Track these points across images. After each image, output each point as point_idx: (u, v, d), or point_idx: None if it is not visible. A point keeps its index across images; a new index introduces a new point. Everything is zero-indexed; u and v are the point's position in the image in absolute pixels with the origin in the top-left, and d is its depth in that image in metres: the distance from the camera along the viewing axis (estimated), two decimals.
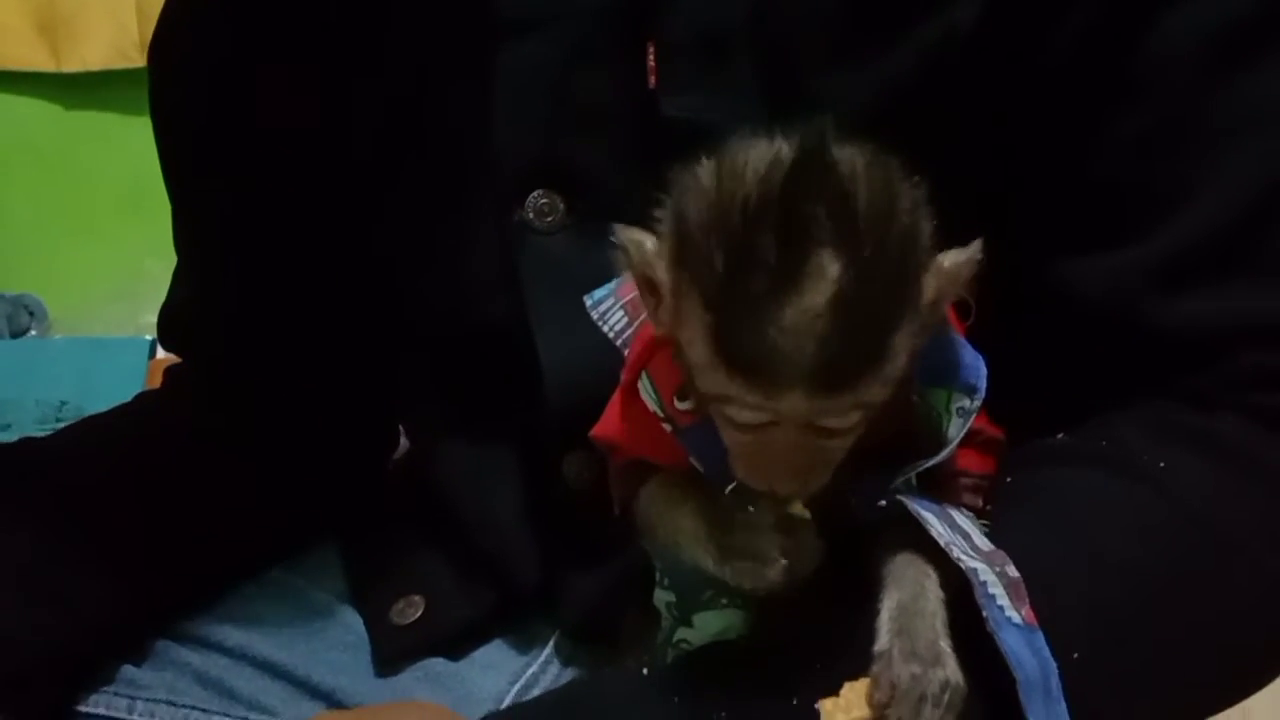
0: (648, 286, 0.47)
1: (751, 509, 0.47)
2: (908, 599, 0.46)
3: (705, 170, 0.44)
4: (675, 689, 0.48)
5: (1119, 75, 0.54)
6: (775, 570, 0.46)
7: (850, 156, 0.43)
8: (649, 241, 0.46)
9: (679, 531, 0.50)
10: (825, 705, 0.45)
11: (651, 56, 0.58)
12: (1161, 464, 0.51)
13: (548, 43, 0.60)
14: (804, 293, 0.41)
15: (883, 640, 0.45)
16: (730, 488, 0.48)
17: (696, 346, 0.44)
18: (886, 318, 0.42)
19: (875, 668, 0.45)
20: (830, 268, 0.41)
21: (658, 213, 0.46)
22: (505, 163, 0.62)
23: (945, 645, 0.45)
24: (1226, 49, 0.53)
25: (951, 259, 0.45)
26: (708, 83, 0.57)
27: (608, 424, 0.53)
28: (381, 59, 0.65)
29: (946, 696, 0.44)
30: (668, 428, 0.49)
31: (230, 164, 0.72)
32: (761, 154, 0.43)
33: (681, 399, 0.49)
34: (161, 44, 0.74)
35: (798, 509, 0.47)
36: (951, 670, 0.44)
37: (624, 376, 0.51)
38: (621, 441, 0.52)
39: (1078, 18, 0.53)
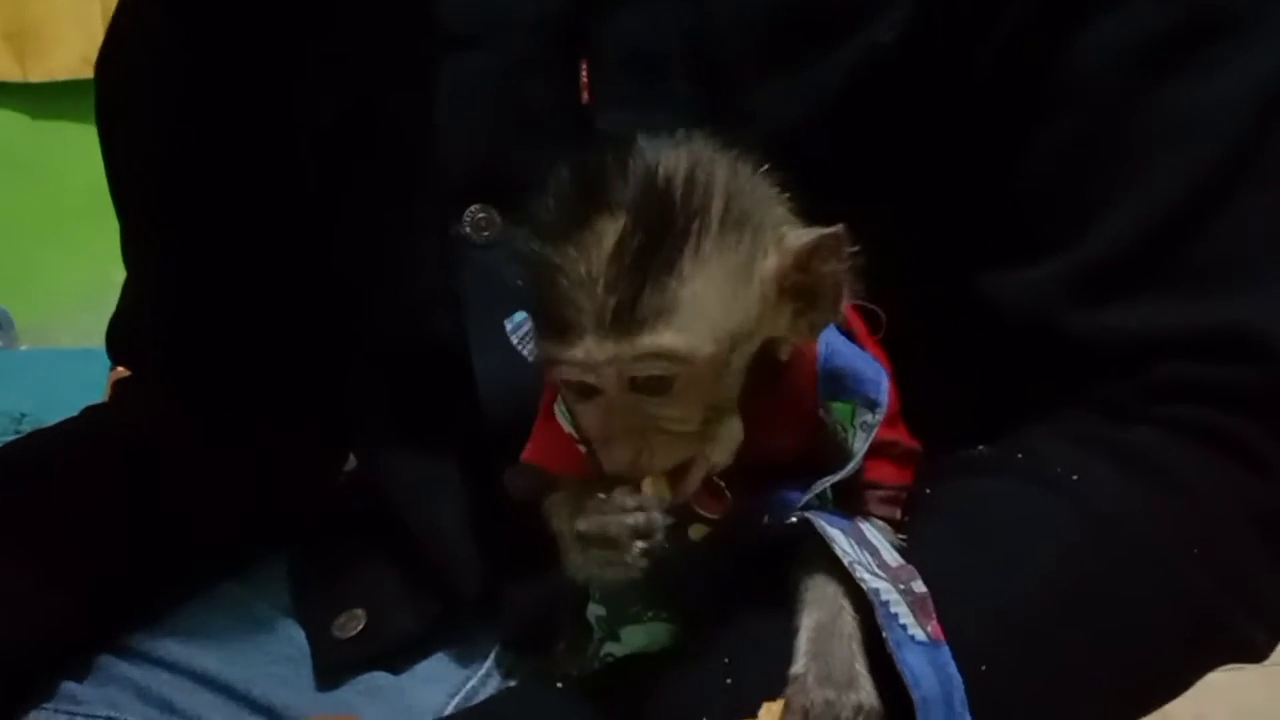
0: None
1: (604, 496, 0.47)
2: (825, 619, 0.46)
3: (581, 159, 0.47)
4: (590, 703, 0.48)
5: (1039, 90, 0.54)
6: (632, 555, 0.46)
7: (676, 147, 0.46)
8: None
9: (560, 536, 0.50)
10: None
11: (585, 73, 0.58)
12: (1075, 476, 0.51)
13: (487, 56, 0.60)
14: (594, 245, 0.45)
15: (798, 664, 0.46)
16: None
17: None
18: (675, 268, 0.44)
19: (789, 691, 0.45)
20: (620, 221, 0.45)
21: None
22: (446, 176, 0.62)
23: (860, 667, 0.45)
24: (1144, 63, 0.53)
25: (794, 236, 0.46)
26: (641, 98, 0.58)
27: (534, 448, 0.53)
28: (325, 71, 0.65)
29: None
30: (582, 449, 0.50)
31: (176, 178, 0.72)
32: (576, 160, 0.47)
33: None
34: (108, 59, 0.74)
35: (657, 489, 0.47)
36: (865, 694, 0.45)
37: (545, 398, 0.52)
38: (546, 464, 0.52)
39: (999, 34, 0.54)
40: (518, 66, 0.60)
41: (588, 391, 0.46)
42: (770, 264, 0.46)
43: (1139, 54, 0.53)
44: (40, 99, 2.12)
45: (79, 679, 0.67)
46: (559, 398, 0.50)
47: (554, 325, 0.45)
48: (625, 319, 0.44)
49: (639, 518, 0.45)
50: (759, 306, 0.46)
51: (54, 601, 0.67)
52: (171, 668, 0.68)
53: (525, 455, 0.53)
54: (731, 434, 0.47)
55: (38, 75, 2.09)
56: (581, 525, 0.47)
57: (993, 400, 0.56)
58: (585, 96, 0.58)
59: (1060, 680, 0.49)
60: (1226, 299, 0.53)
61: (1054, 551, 0.51)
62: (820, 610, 0.47)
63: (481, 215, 0.62)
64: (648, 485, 0.46)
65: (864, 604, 0.46)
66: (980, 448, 0.55)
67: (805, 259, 0.46)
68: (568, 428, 0.50)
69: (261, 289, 0.73)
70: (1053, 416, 0.54)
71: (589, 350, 0.45)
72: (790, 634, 0.47)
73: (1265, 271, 0.53)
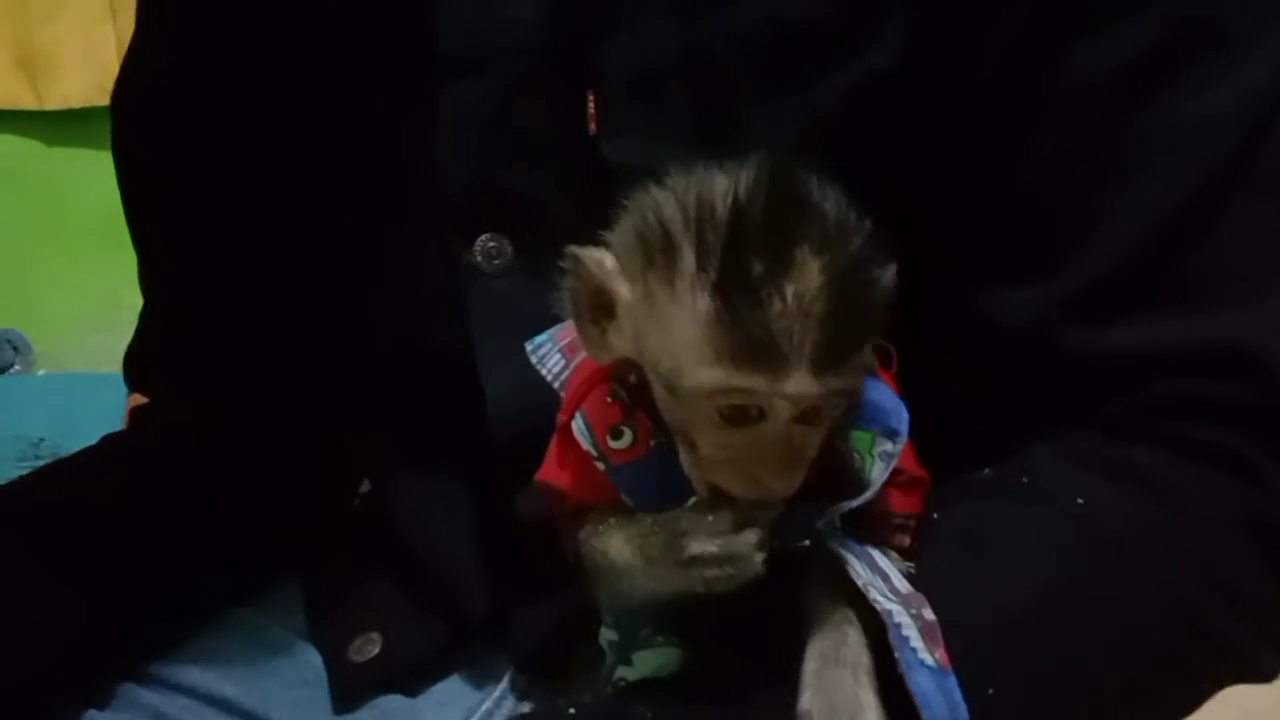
0: (599, 308, 0.48)
1: (710, 518, 0.47)
2: (830, 649, 0.47)
3: (664, 190, 0.47)
4: None
5: (1033, 109, 0.55)
6: (754, 566, 0.46)
7: (810, 175, 0.47)
8: (608, 259, 0.47)
9: (614, 564, 0.50)
10: None
11: (591, 103, 0.59)
12: (1080, 498, 0.52)
13: (488, 82, 0.61)
14: (798, 279, 0.44)
15: (804, 699, 0.46)
16: None
17: (684, 342, 0.45)
18: (866, 302, 0.46)
19: None
20: (818, 257, 0.44)
21: (607, 235, 0.48)
22: (451, 202, 0.63)
23: (867, 697, 0.45)
24: (1134, 81, 0.54)
25: (888, 274, 0.47)
26: (645, 123, 0.58)
27: (549, 468, 0.53)
28: (327, 95, 0.66)
29: None
30: (600, 466, 0.50)
31: (187, 207, 0.74)
32: (723, 173, 0.46)
33: (615, 437, 0.50)
34: (124, 88, 0.76)
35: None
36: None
37: (560, 418, 0.52)
38: (562, 484, 0.53)
39: (991, 57, 0.55)
40: (519, 92, 0.61)
41: (745, 420, 0.46)
42: (878, 298, 0.47)
43: (1128, 71, 0.54)
44: (54, 125, 2.14)
45: (100, 706, 0.68)
46: (576, 416, 0.51)
47: (760, 354, 0.44)
48: (836, 358, 0.45)
49: (757, 534, 0.46)
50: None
51: (74, 629, 0.68)
52: (190, 693, 0.69)
53: (539, 477, 0.53)
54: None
55: (51, 102, 2.12)
56: (696, 548, 0.46)
57: (994, 420, 0.56)
58: (592, 127, 0.59)
59: (1065, 702, 0.50)
60: (1221, 315, 0.53)
61: (1058, 572, 0.51)
62: (826, 638, 0.47)
63: (492, 244, 0.62)
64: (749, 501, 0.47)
65: (872, 627, 0.47)
66: (985, 471, 0.55)
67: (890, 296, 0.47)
68: (586, 446, 0.50)
69: (269, 311, 0.74)
70: (1055, 436, 0.55)
71: (800, 385, 0.44)
72: (797, 661, 0.47)
73: (1259, 286, 0.54)
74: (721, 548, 0.46)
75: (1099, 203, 0.54)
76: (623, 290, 0.47)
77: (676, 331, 0.45)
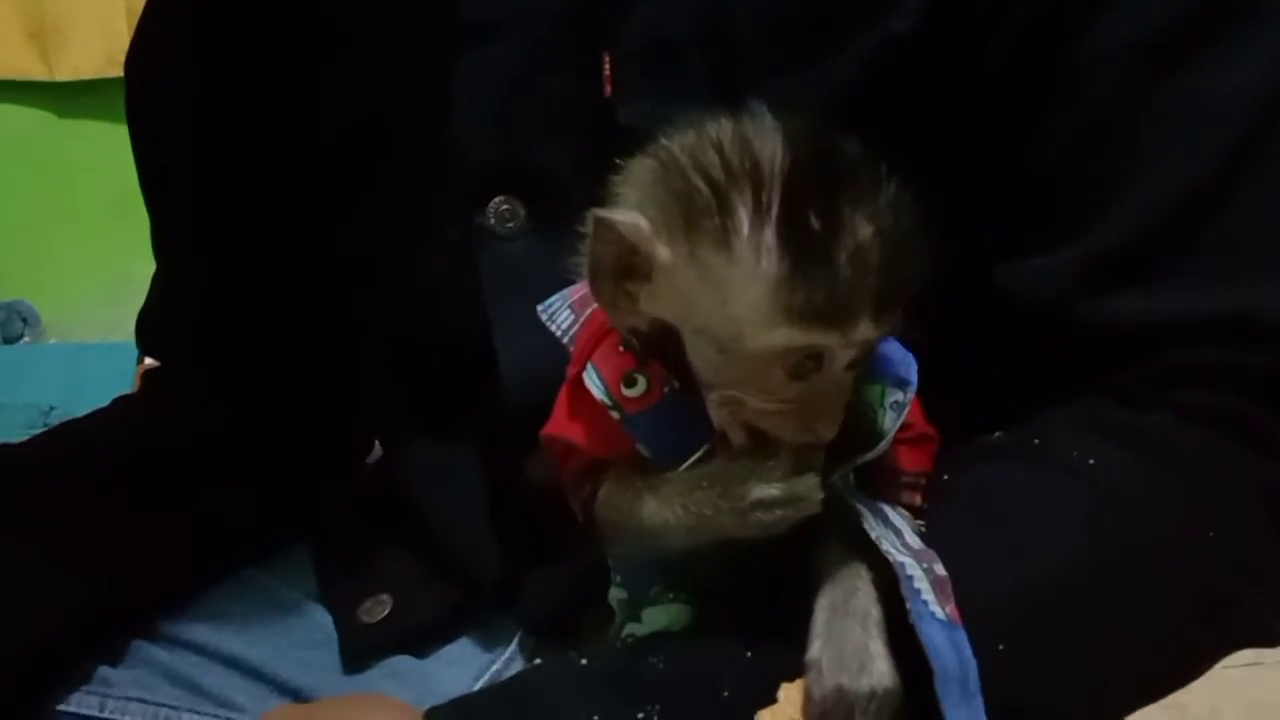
0: (627, 271, 0.47)
1: (770, 464, 0.47)
2: (840, 600, 0.47)
3: (694, 148, 0.47)
4: (611, 679, 0.49)
5: (1053, 78, 0.55)
6: (816, 503, 0.46)
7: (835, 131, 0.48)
8: (642, 221, 0.47)
9: (647, 519, 0.50)
10: (763, 717, 0.46)
11: (607, 65, 0.59)
12: (1091, 460, 0.52)
13: (506, 47, 0.61)
14: (852, 233, 0.45)
15: (813, 649, 0.46)
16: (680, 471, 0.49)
17: (744, 309, 0.45)
18: (914, 245, 0.47)
19: (807, 678, 0.46)
20: (862, 209, 0.45)
21: (621, 193, 0.48)
22: (467, 167, 0.63)
23: (876, 647, 0.46)
24: (1157, 52, 0.54)
25: None
26: (661, 89, 0.58)
27: (558, 421, 0.53)
28: (346, 65, 0.66)
29: (874, 704, 0.45)
30: (615, 415, 0.50)
31: (203, 172, 0.74)
32: (756, 130, 0.47)
33: (628, 385, 0.50)
34: (137, 55, 0.75)
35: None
36: (879, 675, 0.45)
37: (570, 371, 0.52)
38: (573, 437, 0.53)
39: (1013, 23, 0.54)
40: (537, 58, 0.61)
41: (805, 373, 0.47)
42: (923, 241, 0.48)
43: (1152, 42, 0.54)
44: (64, 97, 2.14)
45: (111, 662, 0.69)
46: (588, 367, 0.51)
47: (831, 311, 0.45)
48: (892, 302, 0.46)
49: (814, 478, 0.47)
50: None
51: (86, 587, 0.68)
52: (200, 651, 0.69)
53: (547, 430, 0.53)
54: None
55: (62, 73, 2.12)
56: (758, 493, 0.47)
57: (1008, 387, 0.56)
58: (608, 89, 0.59)
59: (1074, 662, 0.50)
60: (1238, 285, 0.53)
61: (1069, 536, 0.51)
62: (836, 589, 0.47)
63: (505, 207, 0.63)
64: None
65: (883, 581, 0.47)
66: (996, 434, 0.55)
67: None
68: (600, 395, 0.50)
69: (285, 279, 0.74)
70: (1067, 403, 0.55)
71: (864, 332, 0.46)
72: (807, 614, 0.47)
73: (1276, 257, 0.54)
74: (784, 490, 0.46)
75: (1118, 172, 0.54)
76: (662, 252, 0.46)
77: (736, 293, 0.45)
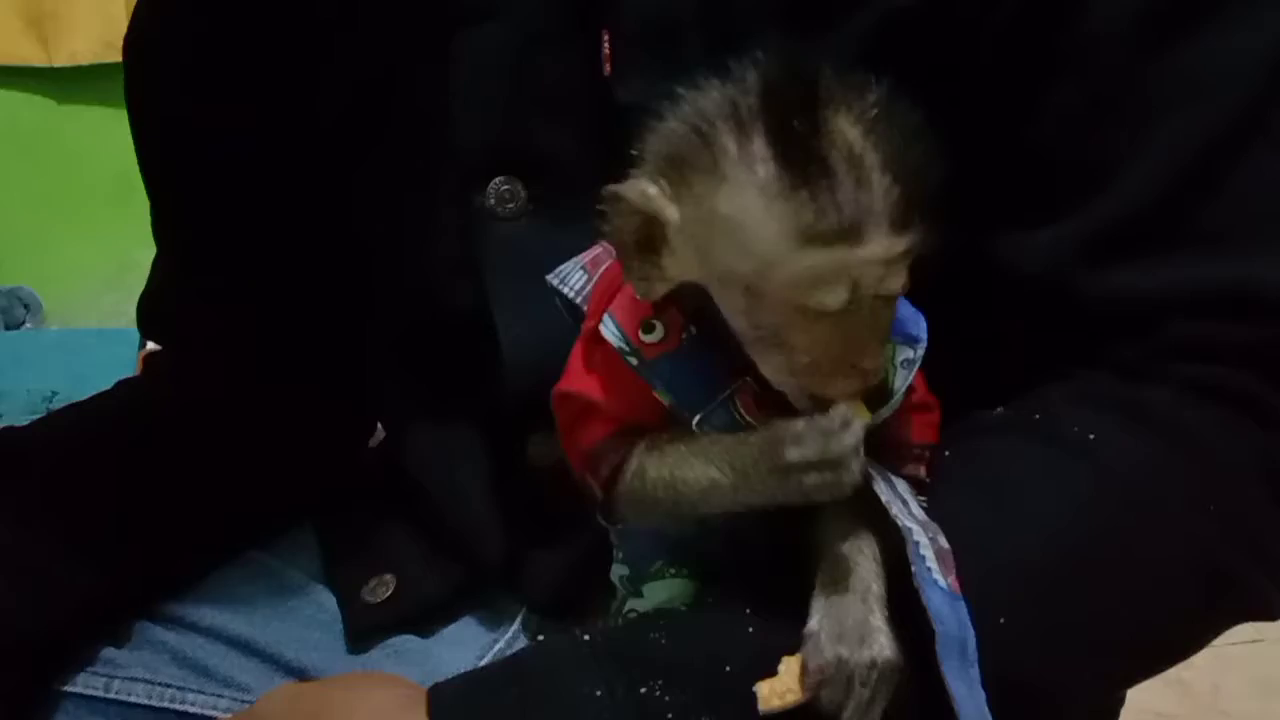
0: (647, 242, 0.47)
1: (806, 422, 0.46)
2: (841, 574, 0.47)
3: (678, 110, 0.46)
4: (614, 655, 0.50)
5: (1053, 51, 0.55)
6: (852, 472, 0.45)
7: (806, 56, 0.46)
8: (650, 187, 0.47)
9: (693, 481, 0.49)
10: (762, 689, 0.46)
11: (606, 44, 0.59)
12: (1091, 435, 0.52)
13: (505, 27, 0.61)
14: (840, 137, 0.44)
15: (812, 621, 0.47)
16: (697, 419, 0.49)
17: (757, 238, 0.44)
18: (912, 142, 0.45)
19: (805, 650, 0.46)
20: (845, 113, 0.44)
21: (634, 173, 0.48)
22: (466, 148, 0.63)
23: (876, 620, 0.46)
24: (1157, 24, 0.54)
25: None
26: (661, 68, 0.58)
27: (572, 376, 0.53)
28: (345, 46, 0.66)
29: (875, 675, 0.45)
30: (633, 361, 0.49)
31: (203, 154, 0.73)
32: (732, 80, 0.46)
33: (646, 331, 0.50)
34: (135, 37, 0.75)
35: (861, 412, 0.47)
36: (879, 647, 0.45)
37: (585, 325, 0.52)
38: (588, 390, 0.52)
39: None
40: (536, 37, 0.61)
41: (834, 307, 0.45)
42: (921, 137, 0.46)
43: (1151, 15, 0.54)
44: (63, 83, 2.13)
45: (116, 644, 0.69)
46: (604, 317, 0.50)
47: (841, 222, 0.43)
48: (907, 211, 0.44)
49: (856, 435, 0.45)
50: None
51: (89, 570, 0.68)
52: (206, 632, 0.69)
53: (560, 387, 0.52)
54: None
55: (60, 59, 2.11)
56: (794, 454, 0.45)
57: (1008, 362, 0.56)
58: (607, 69, 0.59)
59: (1075, 635, 0.50)
60: (1238, 258, 0.53)
61: (1070, 509, 0.51)
62: (838, 563, 0.47)
63: (505, 188, 0.63)
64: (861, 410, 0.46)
65: (887, 552, 0.47)
66: (997, 410, 0.55)
67: None
68: (618, 344, 0.49)
69: (286, 261, 0.74)
70: (1068, 377, 0.55)
71: (887, 246, 0.44)
72: (809, 588, 0.47)
73: (1276, 230, 0.54)
74: (818, 452, 0.45)
75: (1118, 146, 0.54)
76: (671, 212, 0.46)
77: (747, 224, 0.45)
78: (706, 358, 0.48)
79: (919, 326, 0.50)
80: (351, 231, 0.70)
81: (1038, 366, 0.56)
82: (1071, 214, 0.55)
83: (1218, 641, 0.57)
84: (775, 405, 0.48)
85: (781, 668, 0.47)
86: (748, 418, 0.49)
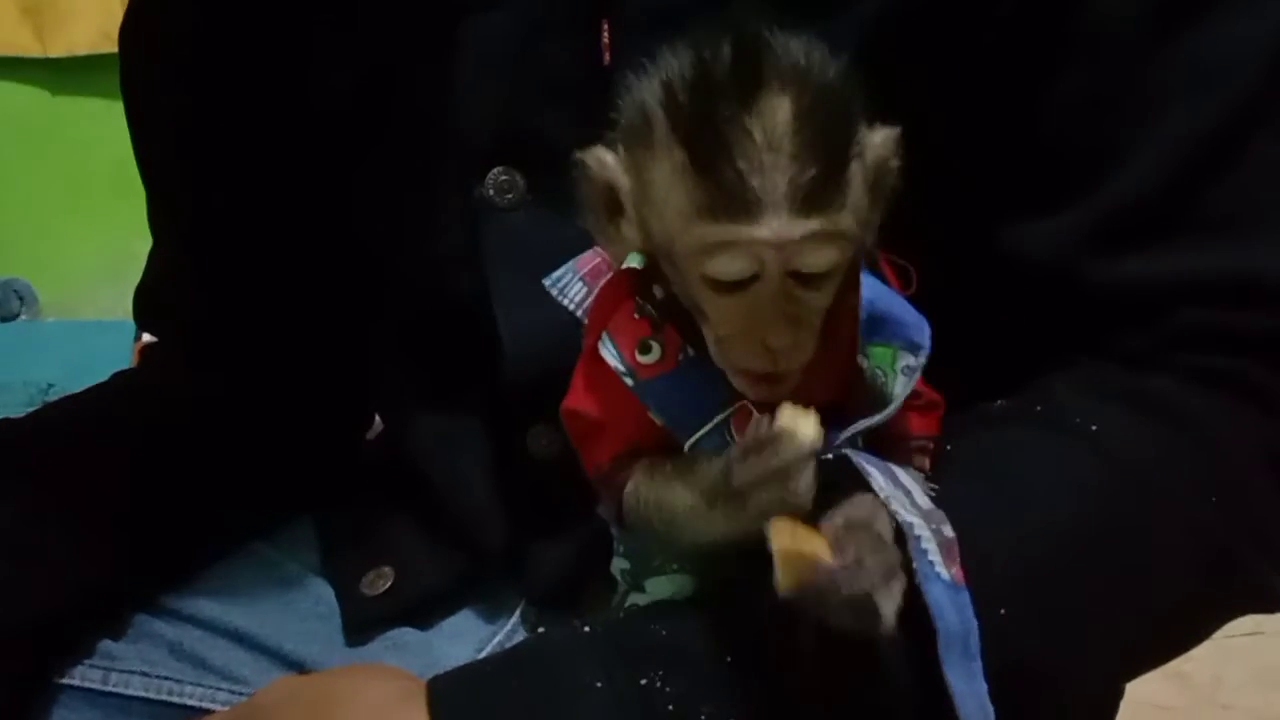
0: (608, 206, 0.48)
1: (760, 430, 0.45)
2: (859, 515, 0.46)
3: (649, 68, 0.46)
4: (615, 645, 0.49)
5: (1060, 37, 0.54)
6: (801, 485, 0.44)
7: (787, 34, 0.46)
8: (608, 155, 0.48)
9: (680, 509, 0.48)
10: (779, 529, 0.44)
11: (606, 33, 0.59)
12: (1095, 425, 0.52)
13: (506, 16, 0.61)
14: (767, 112, 0.43)
15: (851, 506, 0.46)
16: (690, 442, 0.49)
17: (672, 207, 0.45)
18: (845, 140, 0.44)
19: (840, 528, 0.45)
20: (786, 93, 0.43)
21: (610, 136, 0.48)
22: (468, 137, 0.62)
23: (892, 555, 0.45)
24: (1161, 13, 0.54)
25: (880, 131, 0.47)
26: None
27: (575, 395, 0.53)
28: (348, 36, 0.66)
29: (898, 581, 0.44)
30: (629, 382, 0.49)
31: (201, 145, 0.73)
32: (704, 41, 0.45)
33: (643, 352, 0.50)
34: (131, 27, 0.75)
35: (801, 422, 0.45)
36: (897, 557, 0.45)
37: (586, 343, 0.52)
38: (589, 410, 0.52)
39: None
40: (537, 27, 0.60)
41: (740, 285, 0.44)
42: (872, 155, 0.46)
43: (1156, 3, 0.54)
44: (60, 74, 2.13)
45: (114, 636, 0.69)
46: (603, 336, 0.50)
47: (736, 198, 0.43)
48: (815, 195, 0.43)
49: (798, 446, 0.44)
50: (871, 195, 0.46)
51: (88, 561, 0.68)
52: (204, 625, 0.69)
53: (566, 404, 0.53)
54: (814, 339, 0.46)
55: (57, 50, 2.11)
56: (740, 475, 0.44)
57: (1012, 352, 0.56)
58: (607, 58, 0.59)
59: (1077, 625, 0.50)
60: (1242, 246, 0.53)
61: (1074, 499, 0.51)
62: (855, 509, 0.46)
63: (504, 178, 0.62)
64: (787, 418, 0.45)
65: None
66: (999, 401, 0.55)
67: (890, 155, 0.46)
68: (614, 363, 0.49)
69: (284, 252, 0.73)
70: (1072, 367, 0.55)
71: (781, 228, 0.43)
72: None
73: None
74: (762, 468, 0.44)
75: (1123, 135, 0.54)
76: (622, 179, 0.47)
77: (661, 196, 0.45)
78: (703, 380, 0.48)
79: (923, 334, 0.49)
80: (351, 221, 0.70)
81: (1042, 356, 0.56)
82: (1076, 202, 0.55)
83: (1218, 633, 0.56)
84: None
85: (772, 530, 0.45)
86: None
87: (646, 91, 0.46)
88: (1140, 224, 0.54)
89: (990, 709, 0.45)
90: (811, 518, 0.47)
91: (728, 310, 0.45)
